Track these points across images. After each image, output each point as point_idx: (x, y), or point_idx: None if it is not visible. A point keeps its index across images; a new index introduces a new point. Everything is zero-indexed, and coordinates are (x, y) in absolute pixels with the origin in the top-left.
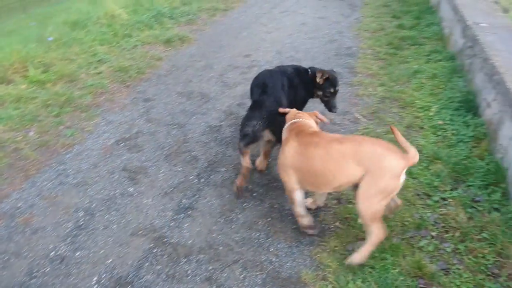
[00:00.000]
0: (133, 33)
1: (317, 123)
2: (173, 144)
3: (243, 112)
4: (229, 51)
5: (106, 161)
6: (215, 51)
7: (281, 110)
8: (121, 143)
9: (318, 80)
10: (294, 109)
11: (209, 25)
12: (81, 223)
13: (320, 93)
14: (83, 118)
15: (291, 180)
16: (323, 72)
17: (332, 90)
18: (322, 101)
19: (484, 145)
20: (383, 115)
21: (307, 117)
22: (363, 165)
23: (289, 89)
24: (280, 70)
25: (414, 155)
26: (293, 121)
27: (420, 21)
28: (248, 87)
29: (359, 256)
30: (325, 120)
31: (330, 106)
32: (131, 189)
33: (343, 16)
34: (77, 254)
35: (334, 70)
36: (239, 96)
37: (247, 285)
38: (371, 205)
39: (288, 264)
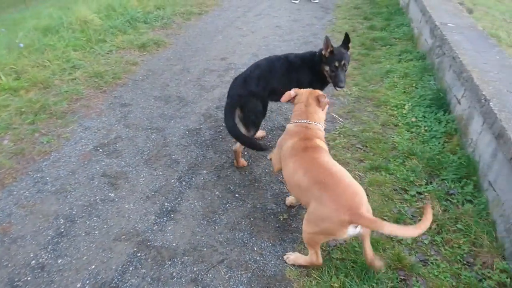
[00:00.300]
0: (107, 38)
1: (321, 106)
2: (153, 148)
3: (221, 115)
4: (205, 55)
5: (85, 167)
6: (191, 55)
7: (284, 98)
8: (100, 149)
9: (324, 52)
10: (297, 91)
11: (184, 29)
12: (62, 230)
13: (327, 68)
14: (59, 125)
15: (278, 162)
16: (328, 45)
17: (336, 64)
18: (330, 78)
19: (456, 140)
20: (359, 114)
21: (317, 118)
22: (312, 198)
23: (288, 73)
24: (280, 57)
25: (398, 229)
26: (307, 122)
27: (390, 22)
28: (225, 90)
29: (294, 259)
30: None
31: (336, 81)
32: (112, 195)
33: (317, 19)
34: (59, 261)
35: (347, 48)
36: (217, 99)
37: (232, 284)
38: (306, 230)
39: (272, 262)
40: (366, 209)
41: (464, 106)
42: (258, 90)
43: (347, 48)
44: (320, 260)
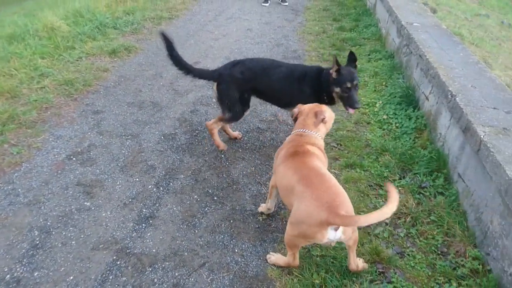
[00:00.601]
0: (76, 45)
1: (318, 120)
2: (128, 155)
3: (196, 118)
4: None
5: (58, 177)
6: (163, 59)
7: (292, 114)
8: (73, 158)
9: (331, 71)
10: (300, 107)
11: (154, 34)
12: (37, 242)
13: (337, 89)
14: (29, 134)
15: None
16: (337, 64)
17: (349, 85)
18: (341, 98)
19: (426, 135)
20: None
21: (315, 128)
22: (296, 196)
23: (284, 81)
24: (281, 62)
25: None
26: (302, 131)
27: (358, 23)
28: (199, 94)
29: (274, 260)
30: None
31: (351, 102)
32: (87, 204)
33: (287, 21)
34: (35, 274)
35: (354, 66)
36: (191, 103)
37: (215, 287)
38: (288, 232)
39: (254, 263)
40: (345, 211)
41: (432, 102)
42: (239, 78)
43: (355, 66)
44: (297, 262)
